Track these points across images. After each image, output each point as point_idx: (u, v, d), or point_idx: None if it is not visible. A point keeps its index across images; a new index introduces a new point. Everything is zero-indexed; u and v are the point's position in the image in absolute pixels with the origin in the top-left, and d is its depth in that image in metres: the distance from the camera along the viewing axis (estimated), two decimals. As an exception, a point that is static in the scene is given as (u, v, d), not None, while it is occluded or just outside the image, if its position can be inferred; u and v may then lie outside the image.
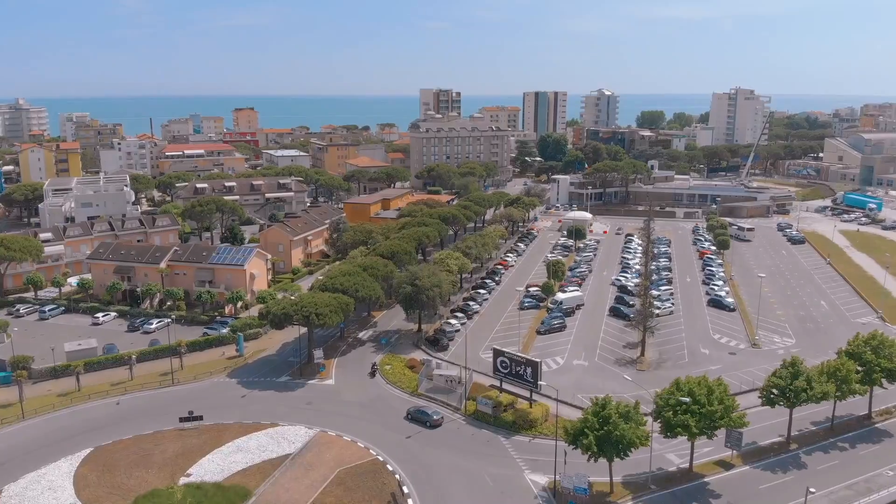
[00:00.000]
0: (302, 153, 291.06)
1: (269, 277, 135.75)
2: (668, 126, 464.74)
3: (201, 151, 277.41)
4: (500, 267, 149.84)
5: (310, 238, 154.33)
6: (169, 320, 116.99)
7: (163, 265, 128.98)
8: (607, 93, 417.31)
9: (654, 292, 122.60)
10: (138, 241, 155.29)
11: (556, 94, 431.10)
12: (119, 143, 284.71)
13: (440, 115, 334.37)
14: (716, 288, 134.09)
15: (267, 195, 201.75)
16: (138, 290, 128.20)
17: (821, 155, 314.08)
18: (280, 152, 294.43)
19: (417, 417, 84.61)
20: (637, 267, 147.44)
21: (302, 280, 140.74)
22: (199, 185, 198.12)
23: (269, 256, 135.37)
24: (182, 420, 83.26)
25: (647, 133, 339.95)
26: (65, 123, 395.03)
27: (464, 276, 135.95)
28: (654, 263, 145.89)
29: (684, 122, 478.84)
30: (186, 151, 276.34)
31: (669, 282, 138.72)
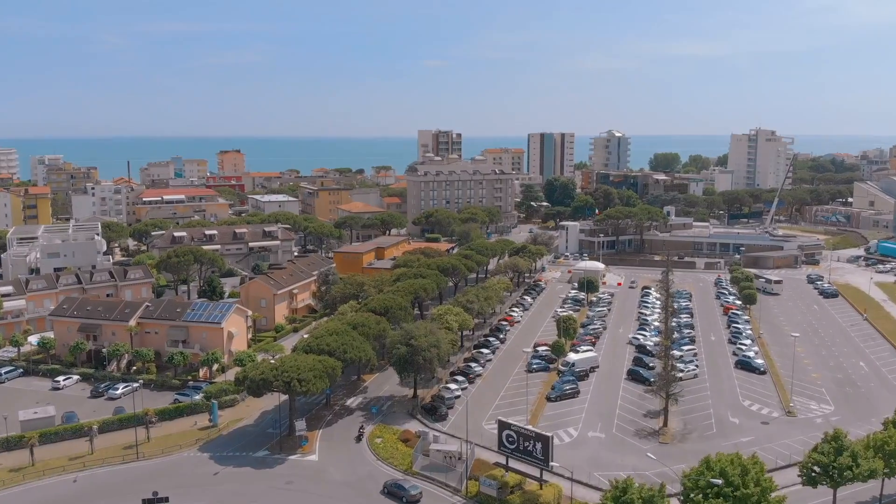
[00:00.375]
0: (291, 198, 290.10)
1: (249, 336, 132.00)
2: (684, 169, 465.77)
3: (181, 197, 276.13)
4: (504, 323, 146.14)
5: (295, 292, 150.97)
6: (136, 385, 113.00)
7: (132, 323, 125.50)
8: (617, 134, 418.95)
9: (676, 353, 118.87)
10: (108, 295, 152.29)
11: (562, 135, 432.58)
12: (93, 188, 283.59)
13: (439, 158, 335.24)
14: (743, 347, 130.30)
15: (251, 244, 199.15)
16: (104, 350, 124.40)
17: (850, 200, 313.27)
18: (267, 197, 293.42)
19: (394, 492, 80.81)
20: (656, 324, 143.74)
21: (286, 338, 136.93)
22: (176, 234, 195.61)
23: (250, 313, 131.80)
24: (145, 502, 78.77)
25: (661, 177, 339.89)
26: (36, 166, 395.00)
27: (465, 333, 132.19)
28: (674, 320, 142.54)
29: (701, 165, 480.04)
30: (165, 197, 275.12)
31: (692, 340, 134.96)
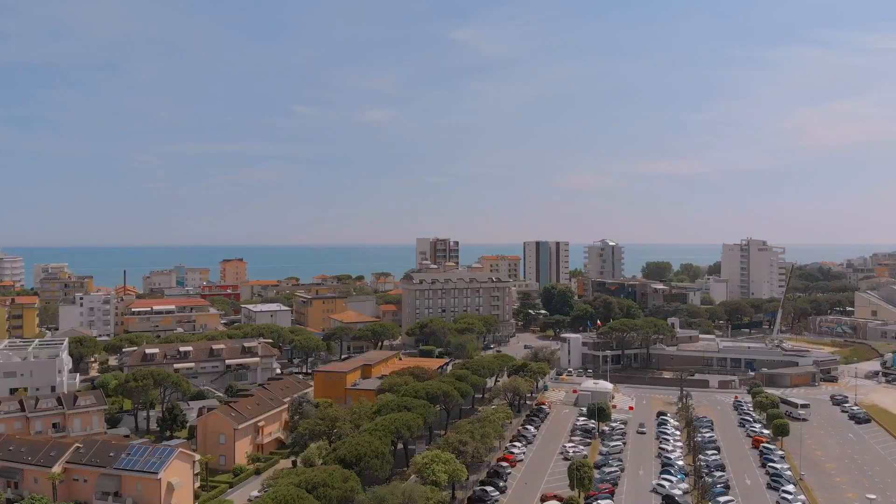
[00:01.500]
0: (284, 308, 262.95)
1: (198, 485, 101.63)
2: (676, 277, 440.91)
3: (171, 307, 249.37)
4: (504, 464, 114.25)
5: (261, 424, 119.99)
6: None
7: (56, 469, 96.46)
8: (611, 243, 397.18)
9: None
10: (54, 425, 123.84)
11: (557, 244, 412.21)
12: (81, 298, 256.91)
13: (435, 266, 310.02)
14: (788, 497, 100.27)
15: (228, 362, 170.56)
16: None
17: (849, 309, 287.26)
18: (259, 307, 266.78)
19: None
20: (680, 462, 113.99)
21: (245, 484, 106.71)
22: (148, 351, 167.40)
23: (198, 457, 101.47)
24: None
25: (659, 286, 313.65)
26: (39, 274, 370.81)
27: (456, 485, 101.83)
28: (701, 458, 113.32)
29: (693, 274, 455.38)
30: (155, 307, 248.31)
31: (727, 488, 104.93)
